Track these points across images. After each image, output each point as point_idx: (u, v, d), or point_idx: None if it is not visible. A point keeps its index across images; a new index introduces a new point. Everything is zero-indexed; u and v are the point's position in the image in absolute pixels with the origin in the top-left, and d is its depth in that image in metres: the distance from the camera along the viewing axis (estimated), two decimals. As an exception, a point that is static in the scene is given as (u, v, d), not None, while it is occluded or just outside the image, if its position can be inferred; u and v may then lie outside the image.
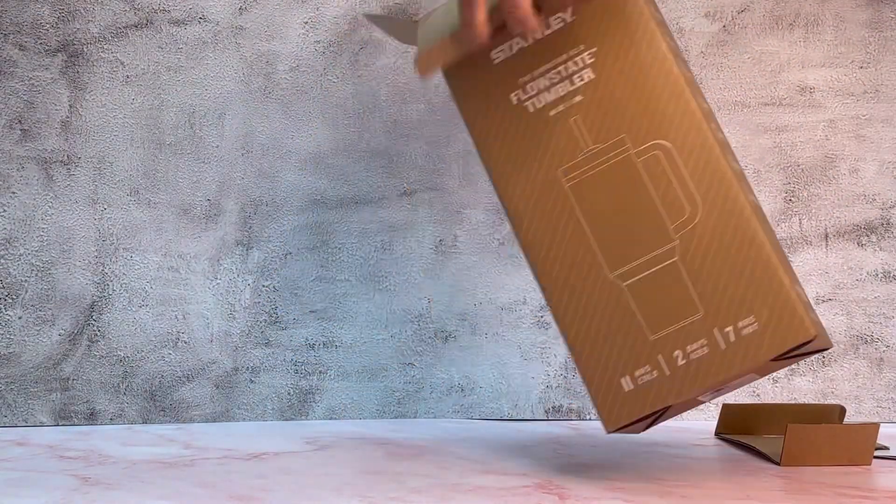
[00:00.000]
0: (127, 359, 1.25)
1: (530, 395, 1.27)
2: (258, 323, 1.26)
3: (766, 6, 1.29)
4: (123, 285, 1.26)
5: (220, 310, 1.26)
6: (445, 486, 0.92)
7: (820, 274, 1.29)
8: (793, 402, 1.26)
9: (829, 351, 1.27)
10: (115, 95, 1.26)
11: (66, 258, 1.25)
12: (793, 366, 1.27)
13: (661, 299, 0.89)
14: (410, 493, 0.89)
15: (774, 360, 0.87)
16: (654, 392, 0.89)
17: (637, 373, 0.89)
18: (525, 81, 0.95)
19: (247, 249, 1.27)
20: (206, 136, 1.27)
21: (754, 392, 1.27)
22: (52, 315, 1.25)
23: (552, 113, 0.94)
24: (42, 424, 1.24)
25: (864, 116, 1.28)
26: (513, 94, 0.95)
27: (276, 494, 0.89)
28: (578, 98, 0.93)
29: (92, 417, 1.25)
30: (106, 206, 1.26)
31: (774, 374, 1.25)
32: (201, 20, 1.27)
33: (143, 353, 1.26)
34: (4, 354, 1.24)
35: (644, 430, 0.93)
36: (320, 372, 1.27)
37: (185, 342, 1.26)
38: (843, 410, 1.10)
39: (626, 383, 0.90)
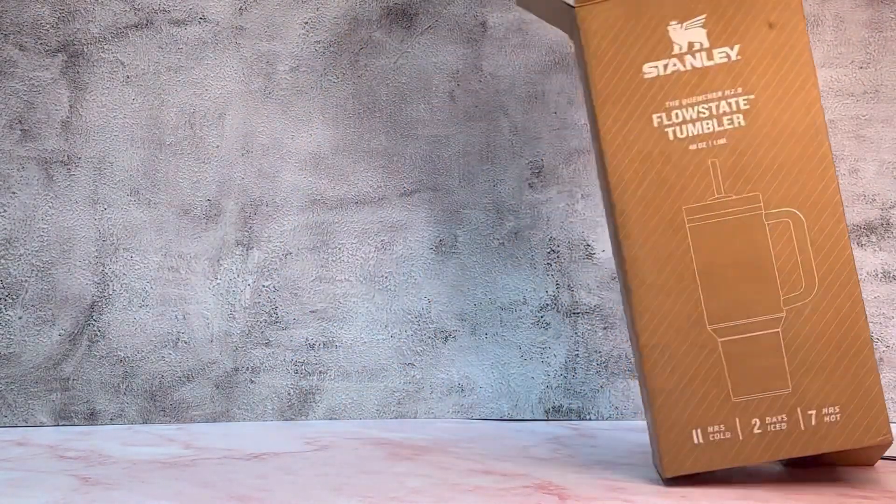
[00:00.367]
0: (127, 359, 1.25)
1: (530, 395, 1.27)
2: (258, 323, 1.26)
3: (766, 6, 1.29)
4: (123, 285, 1.26)
5: (220, 310, 1.26)
6: (445, 486, 0.92)
7: (820, 274, 1.29)
8: None
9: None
10: (115, 95, 1.26)
11: (66, 258, 1.25)
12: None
13: (752, 365, 0.88)
14: (410, 493, 0.89)
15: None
16: (723, 452, 0.88)
17: (710, 429, 0.89)
18: (672, 107, 0.91)
19: (247, 249, 1.27)
20: (207, 136, 1.27)
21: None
22: (53, 315, 1.25)
23: (692, 147, 0.91)
24: (42, 424, 1.24)
25: (863, 116, 1.28)
26: (656, 116, 0.91)
27: (276, 494, 0.89)
28: (723, 141, 0.90)
29: (92, 417, 1.25)
30: (106, 207, 1.26)
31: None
32: (201, 20, 1.27)
33: (143, 353, 1.26)
34: (5, 354, 1.24)
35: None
36: (320, 372, 1.27)
37: (186, 342, 1.26)
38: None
39: (697, 436, 0.89)
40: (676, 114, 0.91)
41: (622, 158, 0.91)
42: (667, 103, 0.91)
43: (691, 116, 0.91)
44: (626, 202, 0.91)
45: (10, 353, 1.24)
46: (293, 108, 1.27)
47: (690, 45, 0.91)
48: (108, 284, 1.25)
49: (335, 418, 1.26)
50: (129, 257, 1.26)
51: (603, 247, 1.27)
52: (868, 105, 1.28)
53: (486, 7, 1.27)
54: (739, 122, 0.90)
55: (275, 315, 1.27)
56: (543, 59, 1.27)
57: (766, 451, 0.88)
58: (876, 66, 1.28)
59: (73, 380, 1.25)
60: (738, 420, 0.88)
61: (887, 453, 1.04)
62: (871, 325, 1.27)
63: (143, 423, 1.25)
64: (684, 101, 0.91)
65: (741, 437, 0.88)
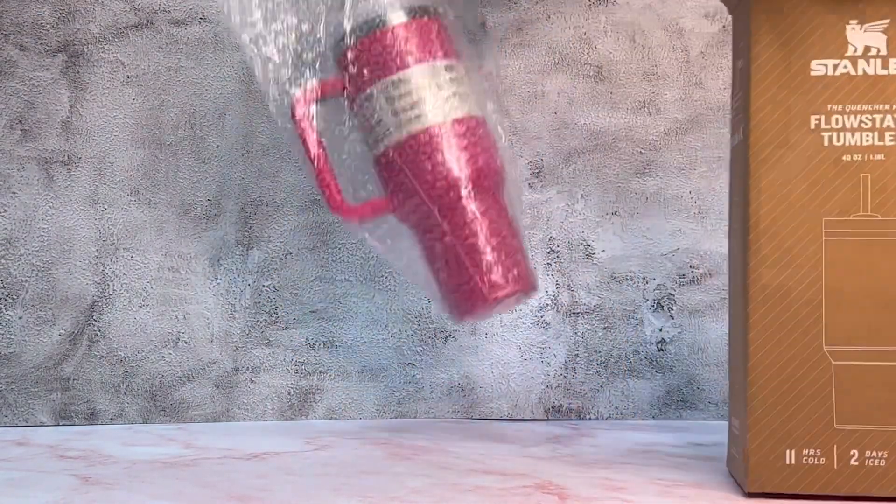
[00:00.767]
0: (127, 359, 1.26)
1: (530, 394, 1.27)
2: (258, 323, 1.27)
3: (766, 7, 1.29)
4: (124, 285, 1.26)
5: (220, 310, 1.26)
6: (445, 486, 0.92)
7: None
8: None
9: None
10: (115, 96, 1.26)
11: (66, 258, 1.25)
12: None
13: (863, 394, 0.85)
14: (410, 494, 0.89)
15: None
16: (813, 477, 0.85)
17: (805, 451, 0.85)
18: (834, 111, 0.86)
19: (247, 249, 1.27)
20: (207, 136, 1.27)
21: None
22: (53, 315, 1.25)
23: (845, 158, 0.85)
24: (42, 424, 1.24)
25: (863, 117, 1.28)
26: (814, 117, 0.86)
27: (276, 494, 0.89)
28: (880, 157, 0.85)
29: (92, 417, 1.25)
30: (106, 206, 1.26)
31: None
32: (202, 20, 1.27)
33: (143, 353, 1.26)
34: (5, 354, 1.24)
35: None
36: (320, 372, 1.27)
37: (186, 342, 1.26)
38: None
39: (790, 457, 0.85)
40: (836, 119, 0.86)
41: (770, 154, 0.86)
42: (829, 106, 0.86)
43: (852, 125, 0.86)
44: (764, 201, 0.86)
45: (10, 352, 1.24)
46: (293, 108, 1.27)
47: (867, 49, 0.86)
48: (108, 284, 1.25)
49: (335, 418, 1.26)
50: (129, 257, 1.26)
51: (603, 247, 1.27)
52: (868, 105, 1.29)
53: (486, 7, 1.27)
54: None
55: (275, 315, 1.27)
56: (543, 59, 1.27)
57: (858, 485, 0.84)
58: (876, 66, 1.28)
59: (74, 380, 1.25)
60: (836, 447, 0.85)
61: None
62: None
63: (144, 422, 1.25)
64: (848, 108, 0.86)
65: (835, 466, 0.85)
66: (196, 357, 1.26)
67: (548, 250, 1.27)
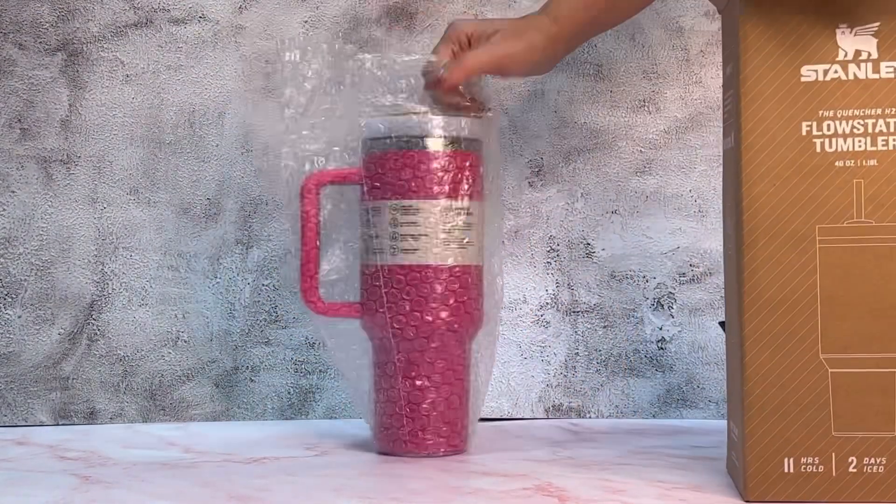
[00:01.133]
0: (127, 358, 1.25)
1: (530, 393, 1.27)
2: (258, 322, 1.26)
3: (767, 5, 1.29)
4: (123, 284, 1.26)
5: (219, 309, 1.26)
6: (445, 489, 0.92)
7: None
8: None
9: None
10: (114, 94, 1.26)
11: (65, 257, 1.25)
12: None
13: (861, 401, 0.84)
14: (410, 495, 0.89)
15: None
16: (812, 485, 0.85)
17: (804, 459, 0.85)
18: (825, 116, 0.85)
19: (246, 248, 1.27)
20: (206, 134, 1.26)
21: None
22: (52, 314, 1.25)
23: (838, 164, 0.84)
24: (42, 424, 1.24)
25: (864, 115, 1.28)
26: (805, 124, 0.85)
27: (277, 494, 0.89)
28: (873, 162, 0.84)
29: (92, 417, 1.25)
30: (105, 205, 1.26)
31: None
32: (201, 19, 1.26)
33: (142, 353, 1.26)
34: (4, 354, 1.24)
35: None
36: (320, 371, 1.27)
37: (185, 341, 1.26)
38: None
39: (788, 465, 0.85)
40: (828, 125, 0.85)
41: (761, 162, 0.85)
42: (820, 112, 0.85)
43: (843, 130, 0.85)
44: (757, 209, 0.85)
45: (9, 352, 1.24)
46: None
47: (857, 53, 0.85)
48: (107, 283, 1.25)
49: (335, 417, 1.26)
50: (128, 256, 1.26)
51: (603, 245, 1.27)
52: (868, 104, 1.28)
53: (486, 6, 1.27)
54: (895, 145, 0.84)
55: (274, 314, 1.27)
56: (543, 57, 1.26)
57: (857, 492, 0.84)
58: (876, 64, 1.28)
59: (73, 379, 1.25)
60: (833, 455, 0.84)
61: None
62: None
63: (143, 422, 1.25)
64: (839, 113, 0.85)
65: (834, 474, 0.84)
66: (196, 356, 1.26)
67: (548, 249, 1.27)
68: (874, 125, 0.85)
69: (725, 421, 0.96)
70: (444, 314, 1.03)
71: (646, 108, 1.27)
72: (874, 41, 0.85)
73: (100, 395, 1.25)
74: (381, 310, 1.04)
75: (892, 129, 0.84)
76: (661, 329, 1.26)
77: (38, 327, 1.25)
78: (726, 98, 0.91)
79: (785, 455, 0.85)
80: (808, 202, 0.85)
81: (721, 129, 0.97)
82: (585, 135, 1.27)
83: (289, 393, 1.26)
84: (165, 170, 1.26)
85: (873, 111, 0.85)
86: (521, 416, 1.27)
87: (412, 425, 1.04)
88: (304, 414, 1.26)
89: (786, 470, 0.85)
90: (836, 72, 0.85)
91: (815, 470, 0.85)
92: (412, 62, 1.06)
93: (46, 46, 1.25)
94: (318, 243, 1.06)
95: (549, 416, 1.27)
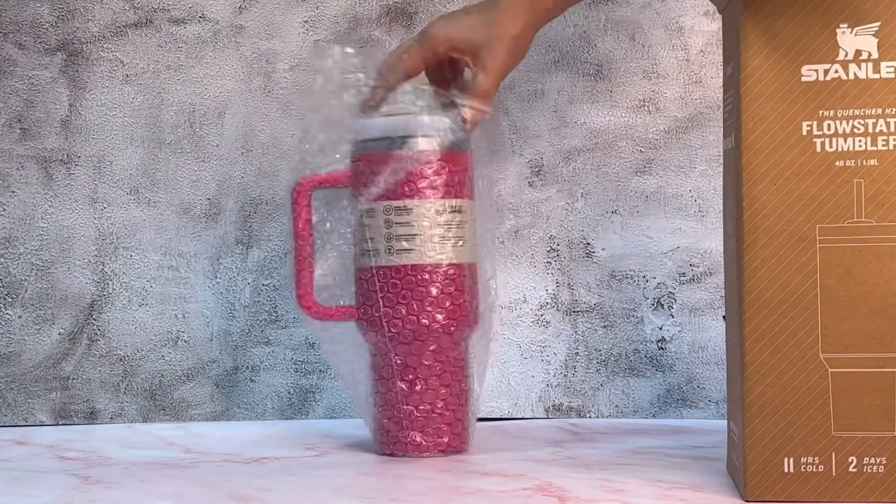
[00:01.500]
0: (127, 358, 1.25)
1: (530, 393, 1.27)
2: (258, 322, 1.27)
3: (767, 5, 1.29)
4: (123, 284, 1.26)
5: (220, 309, 1.26)
6: (445, 489, 0.92)
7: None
8: None
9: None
10: (114, 94, 1.26)
11: (65, 257, 1.25)
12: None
13: (861, 401, 0.84)
14: (410, 495, 0.89)
15: None
16: (812, 485, 0.85)
17: (804, 459, 0.85)
18: (826, 116, 0.84)
19: (247, 248, 1.27)
20: (206, 134, 1.26)
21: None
22: (52, 314, 1.25)
23: (838, 163, 0.84)
24: (42, 424, 1.24)
25: (864, 115, 1.28)
26: (805, 124, 0.85)
27: (277, 494, 0.89)
28: (873, 162, 0.84)
29: (92, 416, 1.25)
30: (106, 205, 1.26)
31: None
32: (201, 19, 1.26)
33: (143, 352, 1.26)
34: (4, 353, 1.24)
35: None
36: (320, 371, 1.27)
37: (185, 341, 1.26)
38: None
39: (788, 465, 0.85)
40: (829, 125, 0.85)
41: (762, 162, 0.85)
42: (820, 112, 0.85)
43: (844, 130, 0.84)
44: (758, 209, 0.85)
45: (9, 352, 1.24)
46: (293, 107, 1.27)
47: (857, 52, 0.84)
48: (107, 283, 1.25)
49: (335, 417, 1.26)
50: (128, 256, 1.26)
51: (603, 245, 1.27)
52: (868, 104, 1.28)
53: (486, 5, 1.27)
54: (895, 145, 0.84)
55: (275, 314, 1.27)
56: (543, 57, 1.27)
57: (857, 492, 0.84)
58: (876, 64, 1.28)
59: (73, 379, 1.25)
60: (834, 454, 0.84)
61: None
62: None
63: (143, 421, 1.25)
64: (840, 113, 0.84)
65: (834, 474, 0.84)
66: (196, 356, 1.26)
67: (548, 249, 1.27)
68: (874, 125, 0.84)
69: (725, 421, 0.96)
70: (439, 316, 1.03)
71: (646, 108, 1.27)
72: (874, 41, 0.85)
73: (100, 394, 1.25)
74: (376, 313, 1.04)
75: (892, 129, 0.84)
76: (661, 329, 1.26)
77: (38, 327, 1.25)
78: (726, 98, 0.91)
79: (785, 455, 0.85)
80: (808, 202, 0.85)
81: (721, 129, 0.97)
82: (585, 135, 1.27)
83: (289, 393, 1.26)
84: (165, 170, 1.26)
85: (873, 111, 0.85)
86: (520, 416, 1.27)
87: (411, 427, 1.04)
88: (304, 414, 1.26)
89: (786, 470, 0.85)
90: (836, 72, 0.85)
91: (815, 470, 0.85)
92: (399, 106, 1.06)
93: (46, 46, 1.25)
94: (311, 248, 1.07)
95: (549, 416, 1.27)
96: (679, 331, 1.26)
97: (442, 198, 1.04)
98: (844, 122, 0.85)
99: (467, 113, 1.03)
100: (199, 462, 1.03)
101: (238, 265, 1.27)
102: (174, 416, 1.25)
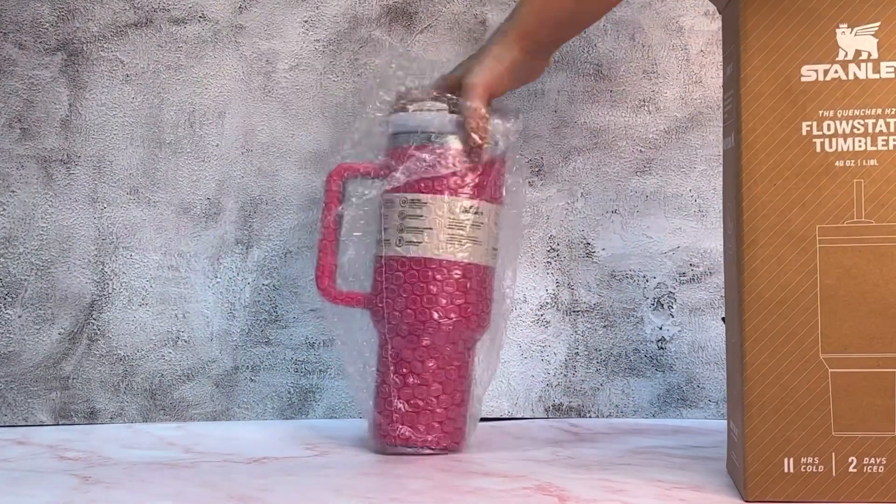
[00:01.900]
0: (127, 358, 1.25)
1: (530, 393, 1.27)
2: (258, 322, 1.26)
3: (767, 5, 1.29)
4: (123, 284, 1.26)
5: (220, 308, 1.26)
6: (445, 488, 0.92)
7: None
8: None
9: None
10: (114, 94, 1.26)
11: (65, 257, 1.25)
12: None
13: (861, 401, 0.84)
14: (411, 495, 0.89)
15: None
16: (812, 485, 0.85)
17: (804, 459, 0.85)
18: (825, 117, 0.85)
19: (247, 248, 1.27)
20: (206, 134, 1.26)
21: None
22: (52, 314, 1.25)
23: (838, 164, 0.85)
24: (42, 423, 1.24)
25: (864, 115, 1.28)
26: (805, 124, 0.85)
27: (277, 494, 0.89)
28: (873, 162, 0.84)
29: (92, 416, 1.25)
30: (106, 205, 1.26)
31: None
32: (201, 19, 1.26)
33: (143, 352, 1.26)
34: (4, 353, 1.24)
35: None
36: (320, 371, 1.27)
37: (186, 341, 1.26)
38: None
39: (788, 465, 0.85)
40: (828, 125, 0.85)
41: (762, 162, 0.85)
42: (820, 112, 0.85)
43: (844, 130, 0.85)
44: (758, 209, 0.85)
45: (9, 351, 1.24)
46: (293, 107, 1.27)
47: (857, 53, 0.85)
48: (107, 283, 1.25)
49: (335, 417, 1.26)
50: (128, 256, 1.26)
51: (603, 245, 1.27)
52: (868, 103, 1.28)
53: (486, 5, 1.27)
54: (895, 145, 0.84)
55: (275, 314, 1.27)
56: (543, 57, 1.26)
57: (857, 492, 0.84)
58: (876, 64, 1.28)
59: (73, 378, 1.25)
60: (834, 455, 0.85)
61: None
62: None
63: (143, 421, 1.25)
64: (840, 113, 0.85)
65: (834, 474, 0.85)
66: (196, 356, 1.26)
67: (548, 248, 1.27)
68: (874, 125, 0.85)
69: (725, 421, 0.96)
70: (436, 314, 1.04)
71: (646, 108, 1.27)
72: (874, 41, 0.85)
73: (100, 394, 1.25)
74: (380, 303, 1.04)
75: (892, 129, 0.84)
76: (661, 329, 1.26)
77: (38, 327, 1.25)
78: (726, 98, 0.91)
79: (785, 455, 0.85)
80: (808, 202, 0.85)
81: (721, 129, 0.97)
82: (585, 134, 1.27)
83: (289, 393, 1.26)
84: (165, 170, 1.26)
85: (873, 111, 0.85)
86: (520, 416, 1.27)
87: (400, 421, 1.04)
88: (304, 414, 1.26)
89: (786, 470, 0.85)
90: (836, 72, 0.85)
91: (815, 470, 0.85)
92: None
93: (46, 46, 1.25)
94: (337, 234, 1.08)
95: (549, 416, 1.27)
96: (679, 331, 1.26)
97: (458, 196, 1.04)
98: (844, 123, 0.85)
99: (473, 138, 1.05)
100: (199, 462, 1.03)
101: (238, 265, 1.27)
102: (174, 416, 1.25)
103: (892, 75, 0.85)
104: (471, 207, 1.04)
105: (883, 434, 0.84)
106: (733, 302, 0.88)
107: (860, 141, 0.85)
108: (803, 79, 0.85)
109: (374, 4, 1.27)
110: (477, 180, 1.05)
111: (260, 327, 1.26)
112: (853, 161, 0.85)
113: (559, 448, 1.09)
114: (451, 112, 1.05)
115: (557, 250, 1.27)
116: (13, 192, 1.25)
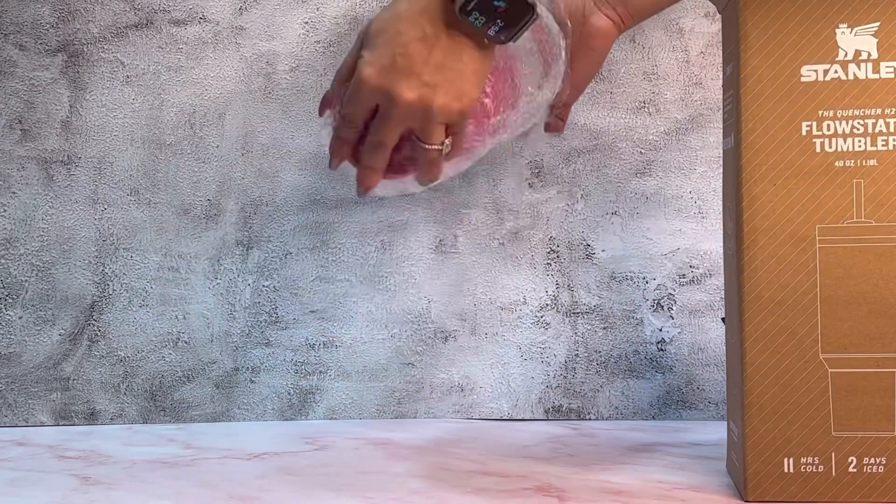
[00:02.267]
0: (127, 359, 1.26)
1: (530, 394, 1.27)
2: (258, 323, 1.27)
3: (767, 6, 1.29)
4: (124, 285, 1.26)
5: (220, 310, 1.26)
6: (445, 488, 0.92)
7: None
8: None
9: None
10: (115, 95, 1.26)
11: (66, 258, 1.25)
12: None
13: (860, 401, 0.84)
14: (410, 495, 0.89)
15: None
16: (812, 485, 0.85)
17: (803, 459, 0.85)
18: (825, 117, 0.85)
19: (247, 249, 1.27)
20: (207, 136, 1.27)
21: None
22: (53, 315, 1.25)
23: (837, 164, 0.85)
24: (42, 424, 1.24)
25: (863, 117, 1.28)
26: (805, 124, 0.85)
27: (277, 494, 0.89)
28: (873, 162, 0.85)
29: (92, 417, 1.25)
30: (106, 206, 1.26)
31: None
32: (201, 20, 1.27)
33: (143, 353, 1.26)
34: (5, 354, 1.24)
35: None
36: (320, 372, 1.27)
37: (186, 342, 1.26)
38: None
39: (788, 465, 0.85)
40: (828, 125, 0.85)
41: (761, 162, 0.85)
42: (820, 112, 0.85)
43: (843, 130, 0.85)
44: (757, 209, 0.85)
45: (10, 352, 1.24)
46: (293, 108, 1.27)
47: (857, 53, 0.85)
48: (108, 284, 1.25)
49: (335, 418, 1.26)
50: (129, 257, 1.26)
51: (603, 246, 1.27)
52: (868, 105, 1.28)
53: (487, 7, 1.27)
54: (895, 145, 0.84)
55: (275, 315, 1.27)
56: (543, 59, 1.27)
57: (857, 492, 0.84)
58: (876, 66, 1.28)
59: (74, 379, 1.25)
60: (833, 454, 0.85)
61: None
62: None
63: (144, 422, 1.25)
64: (839, 113, 0.85)
65: (834, 474, 0.85)
66: (196, 357, 1.26)
67: (548, 250, 1.27)
68: (874, 125, 0.85)
69: (725, 421, 0.96)
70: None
71: (646, 110, 1.27)
72: (874, 41, 0.85)
73: (100, 395, 1.25)
74: None
75: (892, 129, 0.85)
76: (660, 330, 1.26)
77: (38, 328, 1.25)
78: (726, 98, 0.91)
79: (785, 455, 0.85)
80: (808, 202, 0.85)
81: (720, 131, 0.97)
82: (585, 136, 1.27)
83: (289, 394, 1.26)
84: (166, 171, 1.26)
85: (873, 111, 0.85)
86: (520, 418, 1.27)
87: None
88: (304, 415, 1.26)
89: (786, 470, 0.85)
90: (836, 72, 0.85)
91: (814, 470, 0.85)
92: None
93: (47, 47, 1.25)
94: None
95: (549, 418, 1.27)
96: (679, 332, 1.26)
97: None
98: (844, 123, 0.85)
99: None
100: (199, 462, 1.03)
101: (238, 266, 1.27)
102: (174, 416, 1.26)
103: (892, 75, 0.85)
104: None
105: (883, 434, 0.84)
106: (733, 302, 0.88)
107: (860, 141, 0.85)
108: (803, 79, 0.86)
109: (375, 6, 1.27)
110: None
111: (260, 328, 1.26)
112: (853, 161, 0.85)
113: (559, 448, 1.09)
114: None
115: (557, 252, 1.27)
116: (14, 193, 1.25)
